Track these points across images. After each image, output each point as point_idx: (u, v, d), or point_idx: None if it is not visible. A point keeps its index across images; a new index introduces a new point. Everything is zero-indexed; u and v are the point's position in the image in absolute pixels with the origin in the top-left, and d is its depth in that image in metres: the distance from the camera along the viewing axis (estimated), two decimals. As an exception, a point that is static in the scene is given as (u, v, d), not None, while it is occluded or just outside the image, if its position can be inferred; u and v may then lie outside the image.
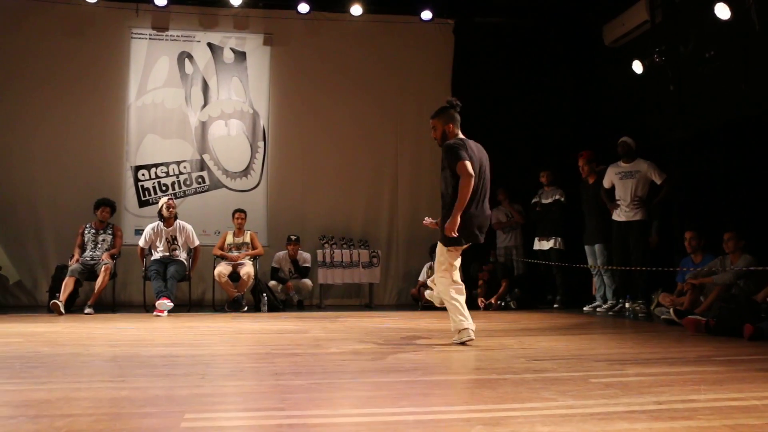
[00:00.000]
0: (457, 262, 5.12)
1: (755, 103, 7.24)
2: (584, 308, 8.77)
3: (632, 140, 8.27)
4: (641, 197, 8.09)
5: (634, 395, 3.04)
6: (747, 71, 7.33)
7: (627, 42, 9.48)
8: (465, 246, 5.09)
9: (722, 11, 7.33)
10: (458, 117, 5.18)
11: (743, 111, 7.46)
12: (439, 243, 5.12)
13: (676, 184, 8.09)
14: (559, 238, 9.25)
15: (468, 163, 4.86)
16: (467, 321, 4.98)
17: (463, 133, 5.25)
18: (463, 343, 4.94)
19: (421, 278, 9.63)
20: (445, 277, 5.07)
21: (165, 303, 7.84)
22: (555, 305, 9.21)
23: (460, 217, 4.85)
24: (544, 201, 9.43)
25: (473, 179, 4.86)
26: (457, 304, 5.01)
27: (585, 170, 8.71)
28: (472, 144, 5.13)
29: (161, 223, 8.65)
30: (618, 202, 8.20)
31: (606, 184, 8.41)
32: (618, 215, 8.19)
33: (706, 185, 7.95)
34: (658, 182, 8.06)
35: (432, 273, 9.30)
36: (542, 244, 9.38)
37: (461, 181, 4.84)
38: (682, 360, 4.34)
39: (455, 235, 4.85)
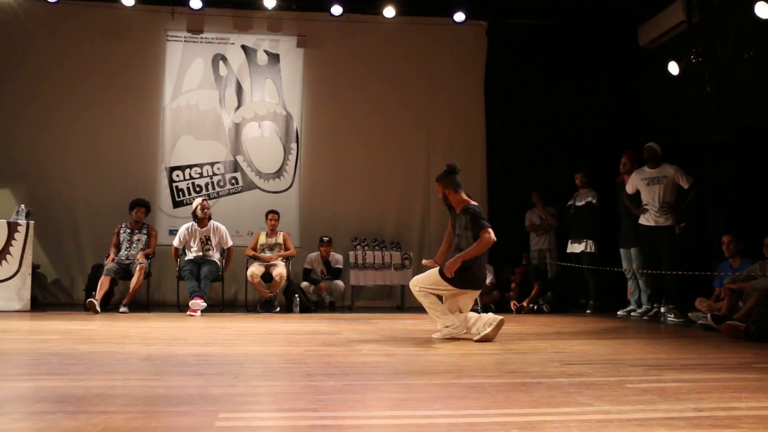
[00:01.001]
0: (465, 305, 5.60)
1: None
2: (618, 312, 8.67)
3: (658, 145, 8.14)
4: (669, 202, 7.97)
5: (672, 401, 2.98)
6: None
7: (663, 43, 9.36)
8: (471, 291, 5.61)
9: (763, 10, 7.19)
10: (459, 181, 5.75)
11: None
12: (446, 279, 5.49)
13: (713, 187, 7.94)
14: (590, 241, 9.12)
15: (491, 231, 5.42)
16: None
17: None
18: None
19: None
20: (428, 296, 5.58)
21: (198, 303, 7.90)
22: (588, 310, 9.11)
23: (478, 266, 5.49)
24: (577, 203, 9.32)
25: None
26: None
27: (626, 167, 8.54)
28: None
29: (195, 224, 8.69)
30: (645, 207, 8.08)
31: (629, 189, 8.28)
32: (647, 219, 8.07)
33: (744, 188, 7.81)
34: (686, 186, 7.92)
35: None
36: (574, 247, 9.28)
37: (481, 243, 5.41)
38: (720, 366, 4.22)
39: (450, 275, 5.38)
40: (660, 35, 9.28)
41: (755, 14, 7.23)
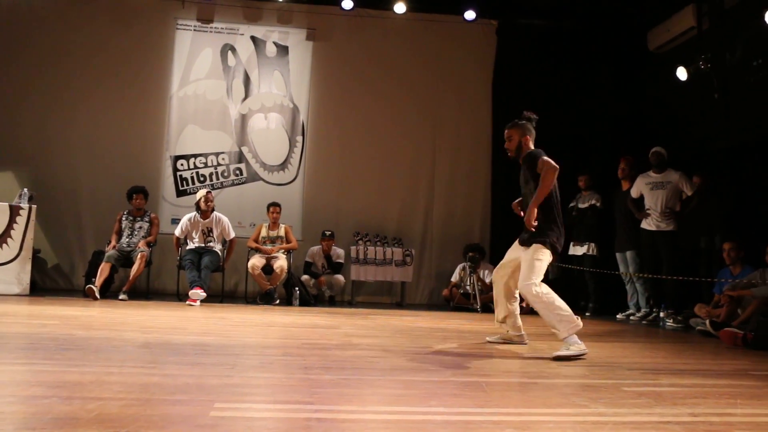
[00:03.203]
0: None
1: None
2: (617, 316, 8.67)
3: (664, 150, 8.16)
4: (672, 208, 8.05)
5: (667, 406, 2.98)
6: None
7: (672, 48, 9.35)
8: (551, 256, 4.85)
9: (772, 19, 7.17)
10: (534, 131, 5.07)
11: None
12: (526, 248, 4.82)
13: (718, 193, 7.92)
14: (592, 244, 9.12)
15: (550, 160, 4.76)
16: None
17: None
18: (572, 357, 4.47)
19: (453, 279, 9.60)
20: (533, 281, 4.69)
21: (198, 293, 7.90)
22: (587, 312, 9.10)
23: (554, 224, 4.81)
24: (580, 205, 9.31)
25: (557, 173, 4.77)
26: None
27: (624, 172, 8.57)
28: None
29: (198, 215, 8.67)
30: (648, 211, 8.10)
31: (634, 193, 8.32)
32: (648, 224, 8.13)
33: (748, 196, 7.80)
34: (689, 193, 8.00)
35: (465, 274, 9.36)
36: (576, 250, 9.27)
37: (545, 175, 4.73)
38: (717, 373, 4.25)
39: (533, 227, 4.70)
40: (669, 40, 9.28)
41: (765, 22, 7.22)
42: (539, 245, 4.74)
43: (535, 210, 4.72)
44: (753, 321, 6.06)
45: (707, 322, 6.59)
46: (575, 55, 10.34)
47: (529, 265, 4.71)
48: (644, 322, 8.20)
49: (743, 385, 3.76)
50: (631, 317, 8.48)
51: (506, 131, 5.10)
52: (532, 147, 5.02)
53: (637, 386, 3.52)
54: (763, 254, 6.73)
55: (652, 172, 8.23)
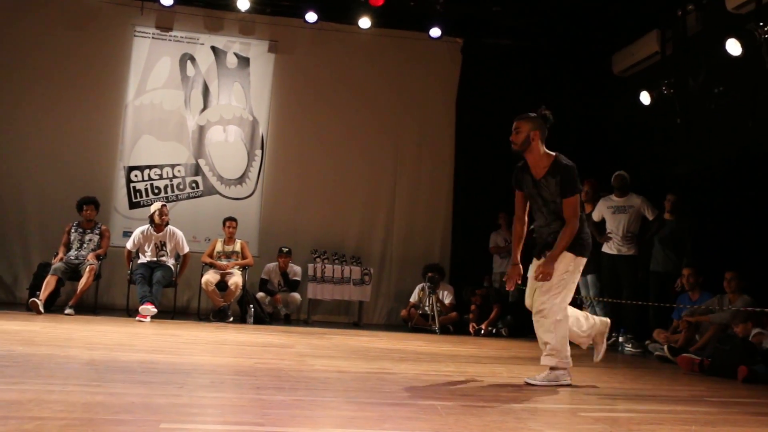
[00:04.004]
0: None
1: (762, 141, 7.16)
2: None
3: (627, 174, 8.19)
4: (633, 232, 8.05)
5: None
6: (755, 109, 7.25)
7: (636, 72, 9.44)
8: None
9: (733, 47, 7.25)
10: (546, 132, 4.69)
11: (750, 149, 7.39)
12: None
13: (678, 218, 7.93)
14: (551, 267, 9.05)
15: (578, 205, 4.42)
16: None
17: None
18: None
19: (412, 299, 9.52)
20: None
21: (149, 308, 7.69)
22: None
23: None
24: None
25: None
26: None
27: (588, 195, 8.55)
28: None
29: (151, 228, 8.48)
30: (609, 235, 8.10)
31: (596, 217, 8.30)
32: (609, 248, 8.12)
33: (708, 222, 7.83)
34: (650, 218, 8.02)
35: (424, 294, 9.23)
36: (535, 272, 9.20)
37: (570, 226, 4.39)
38: (674, 398, 4.29)
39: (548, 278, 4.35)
40: (634, 64, 9.37)
41: (726, 50, 7.28)
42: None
43: (557, 261, 4.38)
44: (710, 347, 6.14)
45: (665, 347, 6.64)
46: (540, 76, 10.37)
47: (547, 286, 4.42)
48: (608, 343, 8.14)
49: (699, 411, 3.79)
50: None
51: (515, 122, 4.65)
52: (543, 147, 4.63)
53: (593, 411, 3.54)
54: (721, 280, 6.74)
55: (614, 195, 8.23)
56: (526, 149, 4.58)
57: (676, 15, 8.52)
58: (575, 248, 4.44)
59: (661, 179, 8.55)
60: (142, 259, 8.41)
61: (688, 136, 8.30)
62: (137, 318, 7.64)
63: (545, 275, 4.34)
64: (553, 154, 4.60)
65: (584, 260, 4.53)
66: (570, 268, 4.43)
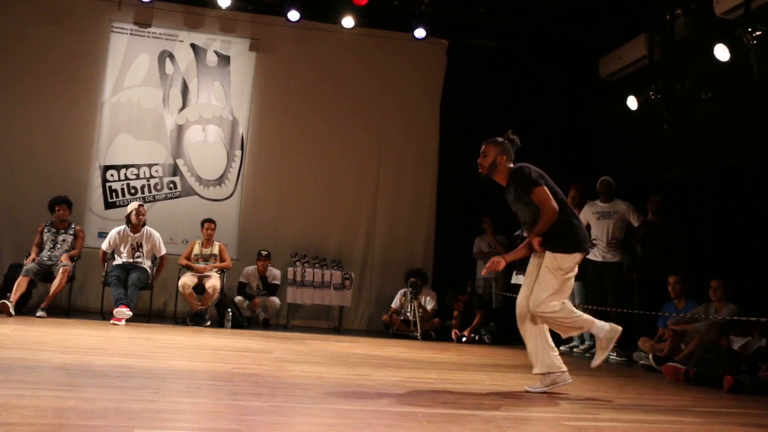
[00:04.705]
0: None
1: (749, 148, 7.14)
2: (560, 348, 8.46)
3: (613, 180, 8.12)
4: (618, 238, 7.99)
5: (607, 442, 2.94)
6: (743, 115, 7.20)
7: (623, 76, 9.40)
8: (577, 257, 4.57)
9: (722, 53, 7.21)
10: (513, 155, 4.73)
11: (737, 156, 7.36)
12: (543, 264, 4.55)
13: (665, 225, 7.86)
14: (538, 273, 8.96)
15: (545, 190, 4.50)
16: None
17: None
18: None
19: (394, 305, 9.43)
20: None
21: (123, 311, 7.52)
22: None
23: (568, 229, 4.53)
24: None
25: (556, 215, 4.49)
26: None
27: (574, 200, 8.44)
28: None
29: (128, 228, 8.32)
30: (594, 242, 8.00)
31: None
32: (594, 255, 8.00)
33: (695, 229, 7.78)
34: (636, 224, 7.95)
35: (406, 299, 9.10)
36: (519, 278, 9.08)
37: (545, 217, 4.48)
38: (658, 408, 4.26)
39: (538, 248, 4.50)
40: (621, 68, 9.34)
41: (714, 56, 7.24)
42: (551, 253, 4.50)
43: (538, 238, 4.50)
44: (695, 357, 6.09)
45: (650, 356, 6.61)
46: (526, 78, 10.33)
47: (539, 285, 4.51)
48: (587, 354, 8.08)
49: (683, 421, 3.80)
50: (575, 349, 8.40)
51: (483, 146, 4.74)
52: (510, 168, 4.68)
53: (577, 420, 3.53)
54: (707, 288, 6.68)
55: (599, 201, 8.15)
56: (493, 173, 4.69)
57: (665, 19, 8.48)
58: (552, 244, 4.51)
59: (647, 185, 8.49)
60: (118, 261, 8.26)
61: (674, 142, 8.25)
62: (111, 321, 7.49)
63: (496, 262, 4.54)
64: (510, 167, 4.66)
65: (568, 257, 4.51)
66: (549, 265, 4.48)
